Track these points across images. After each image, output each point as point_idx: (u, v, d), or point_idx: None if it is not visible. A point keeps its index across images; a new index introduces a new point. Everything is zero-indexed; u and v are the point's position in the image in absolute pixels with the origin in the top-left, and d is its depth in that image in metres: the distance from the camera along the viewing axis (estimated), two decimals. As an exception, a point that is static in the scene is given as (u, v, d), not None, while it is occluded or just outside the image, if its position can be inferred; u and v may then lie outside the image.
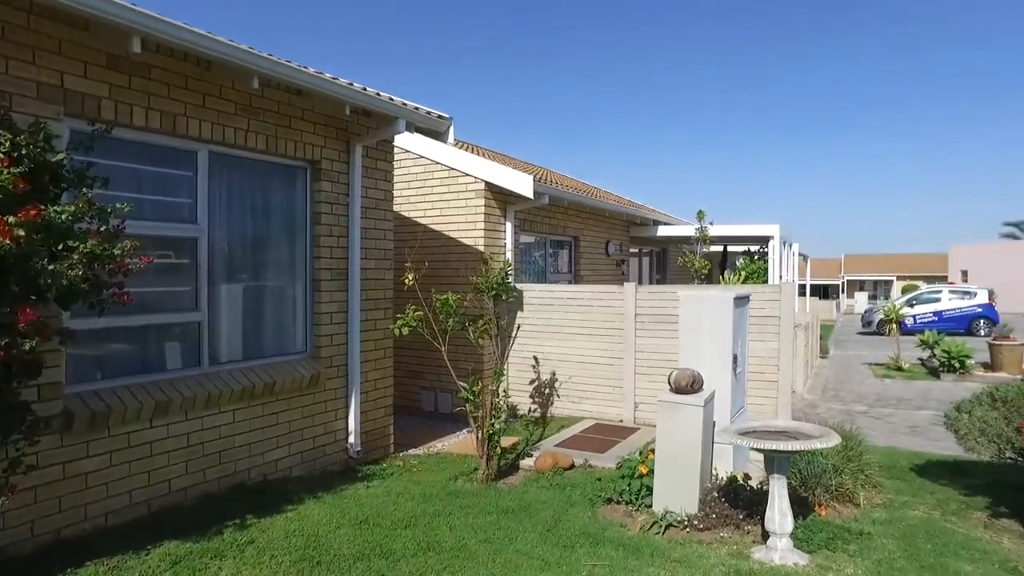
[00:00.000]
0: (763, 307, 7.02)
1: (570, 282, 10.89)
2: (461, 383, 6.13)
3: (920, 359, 14.12)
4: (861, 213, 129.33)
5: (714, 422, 5.11)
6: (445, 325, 6.17)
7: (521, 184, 8.17)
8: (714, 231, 12.49)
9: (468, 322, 6.34)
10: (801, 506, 4.57)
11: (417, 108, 6.28)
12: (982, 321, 22.14)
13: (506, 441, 7.20)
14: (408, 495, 5.27)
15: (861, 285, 56.70)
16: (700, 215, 12.34)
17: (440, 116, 6.52)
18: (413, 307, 6.09)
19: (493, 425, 5.91)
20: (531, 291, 8.55)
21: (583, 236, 11.38)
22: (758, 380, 6.98)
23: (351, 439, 6.28)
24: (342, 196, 6.18)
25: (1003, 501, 4.94)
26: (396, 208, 9.27)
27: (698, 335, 5.62)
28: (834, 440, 3.81)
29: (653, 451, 5.05)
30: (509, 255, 8.82)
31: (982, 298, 22.43)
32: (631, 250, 13.86)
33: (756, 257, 14.57)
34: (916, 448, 7.08)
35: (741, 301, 5.84)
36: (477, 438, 5.96)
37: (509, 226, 8.84)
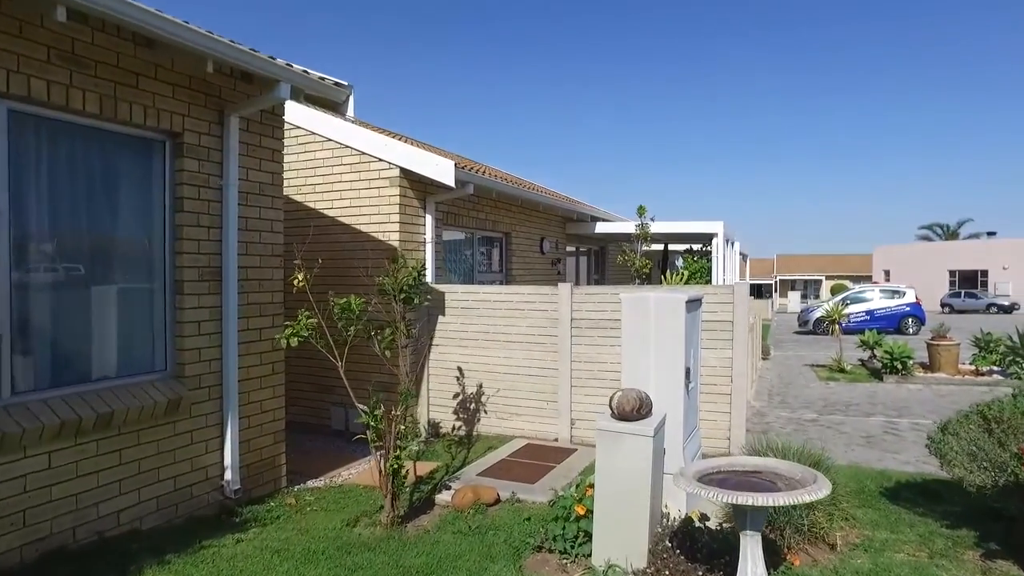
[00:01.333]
0: (715, 310, 6.22)
1: (501, 282, 9.93)
2: (361, 406, 5.06)
3: (860, 360, 13.84)
4: (791, 214, 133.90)
5: (664, 450, 4.22)
6: (346, 334, 5.09)
7: (441, 171, 7.14)
8: (655, 228, 11.78)
9: (374, 330, 5.28)
10: (769, 553, 3.72)
11: (307, 72, 5.17)
12: (910, 320, 22.47)
13: (423, 467, 6.17)
14: (287, 553, 4.17)
15: (793, 285, 58.19)
16: (640, 210, 11.61)
17: (337, 83, 5.43)
18: (307, 313, 4.99)
19: (399, 457, 4.87)
20: (453, 293, 7.53)
21: (515, 232, 10.43)
22: (710, 393, 6.17)
23: (227, 475, 5.11)
24: (213, 178, 5.00)
25: (992, 535, 4.25)
26: (298, 198, 8.10)
27: (644, 344, 4.73)
28: (824, 489, 2.95)
29: (592, 486, 4.13)
30: (429, 252, 7.78)
31: (910, 297, 22.78)
32: (568, 249, 13.03)
33: (697, 256, 13.99)
34: (877, 463, 6.43)
35: (693, 304, 5.00)
36: (380, 472, 4.89)
37: (429, 219, 7.79)
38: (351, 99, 5.58)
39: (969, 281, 43.87)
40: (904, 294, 22.91)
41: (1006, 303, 38.67)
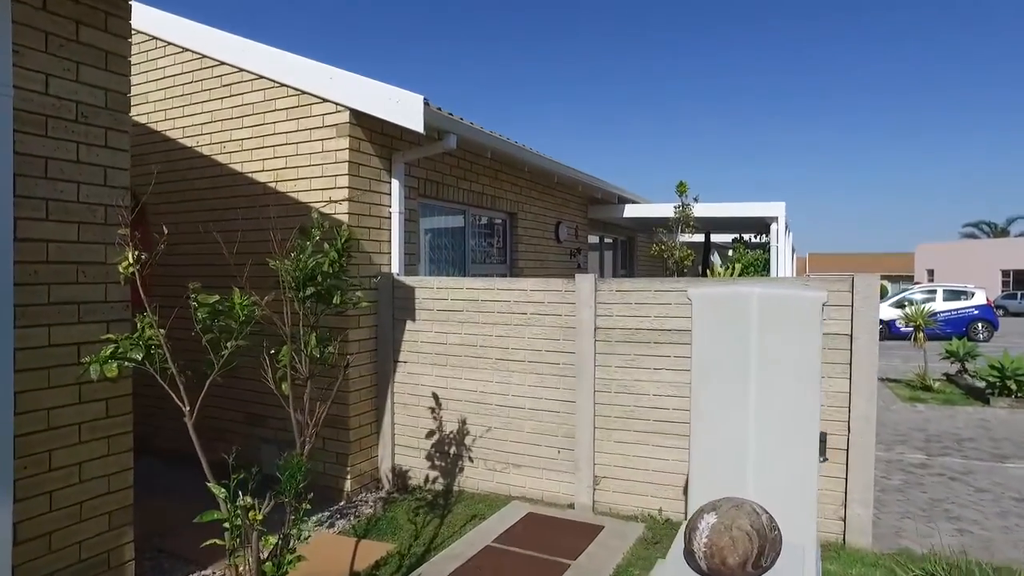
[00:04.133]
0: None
1: (504, 276, 7.69)
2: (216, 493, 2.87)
3: (946, 375, 11.36)
4: (819, 212, 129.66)
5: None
6: (215, 356, 2.94)
7: (405, 110, 4.91)
8: (698, 211, 9.45)
9: (272, 348, 3.13)
10: None
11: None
12: (980, 324, 19.79)
13: (368, 552, 3.98)
14: None
15: (827, 285, 55.13)
16: (681, 188, 9.30)
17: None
18: (147, 319, 2.84)
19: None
20: (427, 288, 5.29)
21: (523, 213, 8.18)
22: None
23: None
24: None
25: None
26: (221, 158, 5.95)
27: (735, 379, 2.47)
28: None
29: None
30: (396, 231, 5.55)
31: (979, 299, 20.08)
32: (589, 239, 10.74)
33: (749, 246, 11.58)
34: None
35: (809, 305, 2.70)
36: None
37: (396, 187, 5.57)
38: None
39: (1025, 282, 40.66)
40: (972, 295, 20.20)
41: (1068, 305, 35.49)
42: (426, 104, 4.95)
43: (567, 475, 4.79)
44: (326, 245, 3.34)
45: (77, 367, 3.23)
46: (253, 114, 5.62)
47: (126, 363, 2.90)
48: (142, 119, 6.37)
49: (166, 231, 3.05)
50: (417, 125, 4.89)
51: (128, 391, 3.52)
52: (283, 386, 3.24)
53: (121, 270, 2.93)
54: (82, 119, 3.27)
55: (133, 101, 6.43)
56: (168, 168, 6.17)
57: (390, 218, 5.56)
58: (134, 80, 6.41)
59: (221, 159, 5.82)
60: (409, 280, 5.37)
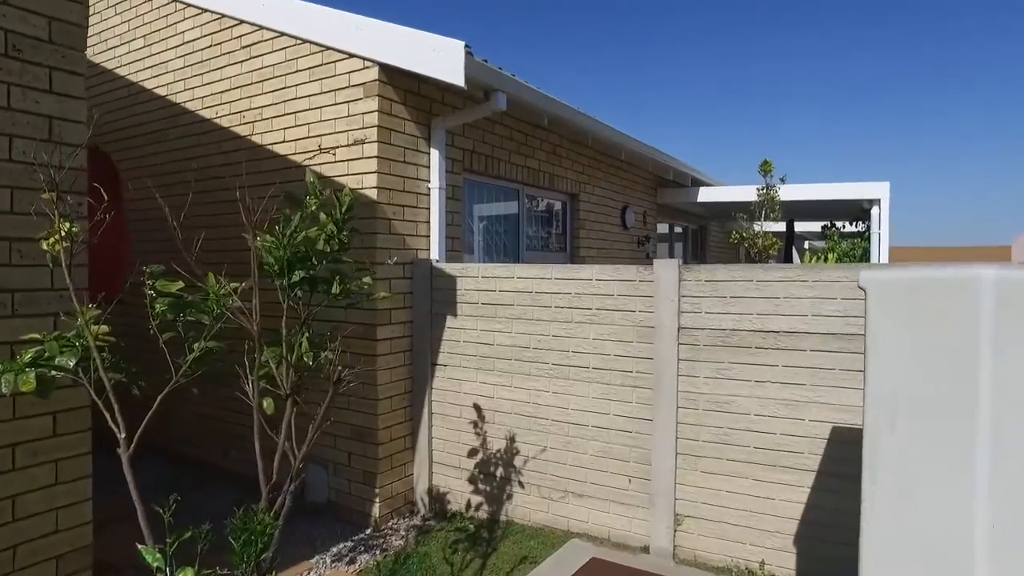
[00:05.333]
0: None
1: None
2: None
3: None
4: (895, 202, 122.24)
5: None
6: (182, 361, 2.18)
7: (443, 60, 4.03)
8: (786, 194, 8.26)
9: (257, 350, 2.33)
10: None
11: None
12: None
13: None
14: None
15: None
16: (765, 167, 8.14)
17: None
18: (89, 312, 2.08)
19: None
20: (469, 278, 4.42)
21: (585, 194, 7.21)
22: None
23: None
24: None
25: None
26: (242, 129, 5.25)
27: (956, 414, 1.46)
28: None
29: None
30: (436, 209, 4.70)
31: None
32: (657, 226, 9.65)
33: (837, 235, 10.22)
34: None
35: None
36: None
37: (436, 157, 4.71)
38: None
39: None
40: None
41: None
42: (468, 53, 4.06)
43: (640, 510, 3.83)
44: (323, 216, 2.49)
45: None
46: (273, 77, 4.87)
47: (52, 372, 2.15)
48: (162, 91, 5.74)
49: (137, 211, 2.28)
50: (457, 78, 4.01)
51: (85, 402, 2.78)
52: (265, 403, 2.42)
53: (46, 247, 2.16)
54: (14, 53, 2.52)
55: (153, 72, 5.82)
56: (189, 144, 5.51)
57: (428, 195, 4.71)
58: (154, 49, 5.79)
59: (241, 130, 5.10)
60: (449, 268, 4.51)
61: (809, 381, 3.28)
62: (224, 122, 5.24)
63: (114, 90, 6.21)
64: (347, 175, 4.42)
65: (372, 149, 4.31)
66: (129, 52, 6.08)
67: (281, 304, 2.55)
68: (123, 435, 2.05)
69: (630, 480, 3.84)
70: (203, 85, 5.40)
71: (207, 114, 5.37)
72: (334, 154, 4.42)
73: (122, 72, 6.16)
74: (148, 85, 5.88)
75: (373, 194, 4.29)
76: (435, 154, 4.71)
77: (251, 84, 5.02)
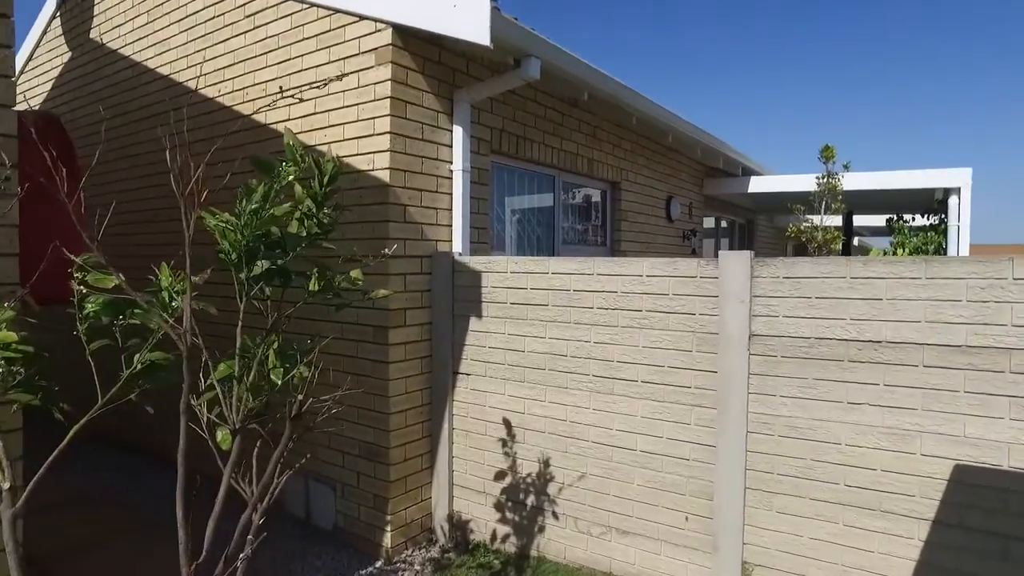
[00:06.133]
0: None
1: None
2: None
3: None
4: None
5: None
6: (129, 366, 1.62)
7: (464, 17, 3.42)
8: (850, 182, 7.46)
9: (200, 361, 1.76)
10: None
11: None
12: None
13: None
14: None
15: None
16: (826, 153, 7.35)
17: None
18: (6, 311, 1.52)
19: None
20: (496, 274, 3.80)
21: (627, 183, 6.54)
22: None
23: None
24: None
25: None
26: (244, 107, 4.74)
27: None
28: None
29: None
30: (459, 195, 4.11)
31: None
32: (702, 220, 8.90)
33: (907, 229, 9.32)
34: None
35: None
36: None
37: (460, 135, 4.11)
38: None
39: None
40: None
41: None
42: (495, 8, 3.44)
43: (699, 554, 3.17)
44: (298, 189, 1.90)
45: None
46: (278, 48, 4.33)
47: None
48: (165, 69, 5.27)
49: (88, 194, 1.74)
50: (483, 38, 3.40)
51: (17, 424, 2.25)
52: (220, 435, 1.85)
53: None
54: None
55: (158, 49, 5.36)
56: (189, 126, 5.02)
57: (451, 178, 4.12)
58: (158, 25, 5.32)
59: (244, 108, 4.59)
60: (473, 261, 3.90)
61: (922, 405, 2.59)
62: (227, 100, 4.73)
63: (119, 71, 5.78)
64: (357, 155, 3.86)
65: (384, 124, 3.73)
66: (133, 30, 5.63)
67: (257, 305, 1.98)
68: (6, 485, 1.49)
69: (687, 517, 3.19)
70: (206, 61, 4.90)
71: (210, 92, 4.87)
72: (301, 98, 3.87)
73: (126, 52, 5.72)
74: (151, 64, 5.42)
75: (385, 176, 3.71)
76: (458, 131, 4.11)
77: (255, 57, 4.50)
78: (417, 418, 3.96)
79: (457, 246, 4.09)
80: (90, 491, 4.70)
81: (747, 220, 11.41)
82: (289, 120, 4.26)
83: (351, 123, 3.89)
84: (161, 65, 5.29)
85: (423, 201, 3.93)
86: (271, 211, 1.83)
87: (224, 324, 1.88)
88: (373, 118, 3.78)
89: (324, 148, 4.04)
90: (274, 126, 4.37)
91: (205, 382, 1.77)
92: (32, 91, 7.16)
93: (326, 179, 1.87)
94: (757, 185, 8.50)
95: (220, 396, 1.76)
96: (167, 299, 1.87)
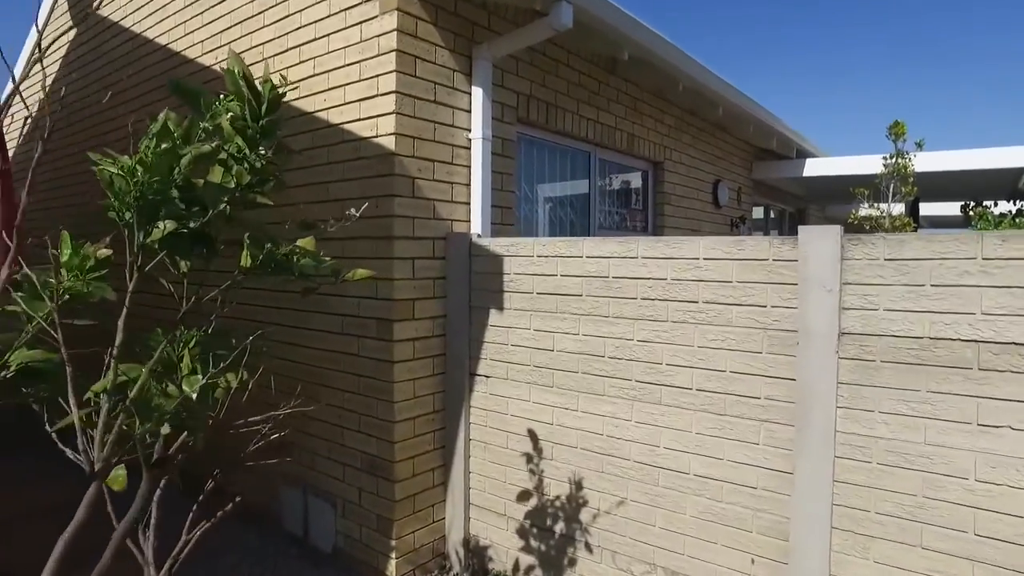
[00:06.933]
0: None
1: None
2: None
3: None
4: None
5: None
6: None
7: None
8: (923, 163, 6.67)
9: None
10: None
11: None
12: None
13: None
14: None
15: None
16: (896, 130, 6.57)
17: None
18: None
19: None
20: (521, 258, 3.21)
21: (671, 163, 5.89)
22: None
23: None
24: None
25: None
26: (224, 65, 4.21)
27: None
28: None
29: None
30: (479, 166, 3.54)
31: None
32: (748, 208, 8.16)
33: (990, 216, 8.41)
34: None
35: None
36: None
37: (479, 98, 3.53)
38: None
39: None
40: None
41: None
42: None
43: (769, 605, 2.55)
44: (224, 124, 1.35)
45: None
46: (276, 4, 3.81)
47: None
48: (163, 39, 4.82)
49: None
50: (502, -29, 2.81)
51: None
52: (113, 474, 1.32)
53: None
54: None
55: (155, 19, 4.91)
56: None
57: (469, 148, 3.55)
58: (154, -9, 4.87)
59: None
60: (494, 244, 3.32)
61: (1085, 429, 1.93)
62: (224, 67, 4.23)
63: (120, 44, 5.36)
64: (359, 120, 3.31)
65: (389, 82, 3.17)
66: (130, 1, 5.20)
67: (166, 285, 1.45)
68: None
69: (753, 560, 2.57)
70: (203, 27, 4.42)
71: (207, 60, 4.39)
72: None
73: (126, 23, 5.30)
74: (150, 35, 4.98)
75: (389, 143, 3.16)
76: (478, 94, 3.54)
77: (252, 17, 3.99)
78: (428, 426, 3.40)
79: (476, 227, 3.52)
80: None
81: (797, 209, 10.59)
82: (296, 95, 3.74)
83: (353, 83, 3.35)
84: (159, 36, 4.84)
85: (436, 174, 3.37)
86: (192, 152, 1.28)
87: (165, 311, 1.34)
88: (377, 76, 3.23)
89: (322, 116, 3.51)
90: (287, 96, 3.84)
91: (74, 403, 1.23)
92: (46, 73, 6.84)
93: (263, 107, 1.31)
94: (814, 168, 7.72)
95: (82, 419, 1.22)
96: (66, 278, 1.34)
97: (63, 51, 6.32)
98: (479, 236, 3.43)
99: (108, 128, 5.38)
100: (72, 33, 6.17)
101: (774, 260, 2.47)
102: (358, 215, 1.73)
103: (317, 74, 3.55)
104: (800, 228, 2.40)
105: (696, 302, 2.66)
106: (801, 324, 2.39)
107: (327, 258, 1.64)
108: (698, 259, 2.65)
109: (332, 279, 1.73)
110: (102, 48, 5.62)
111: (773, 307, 2.47)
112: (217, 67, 4.30)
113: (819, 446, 2.35)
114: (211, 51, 4.36)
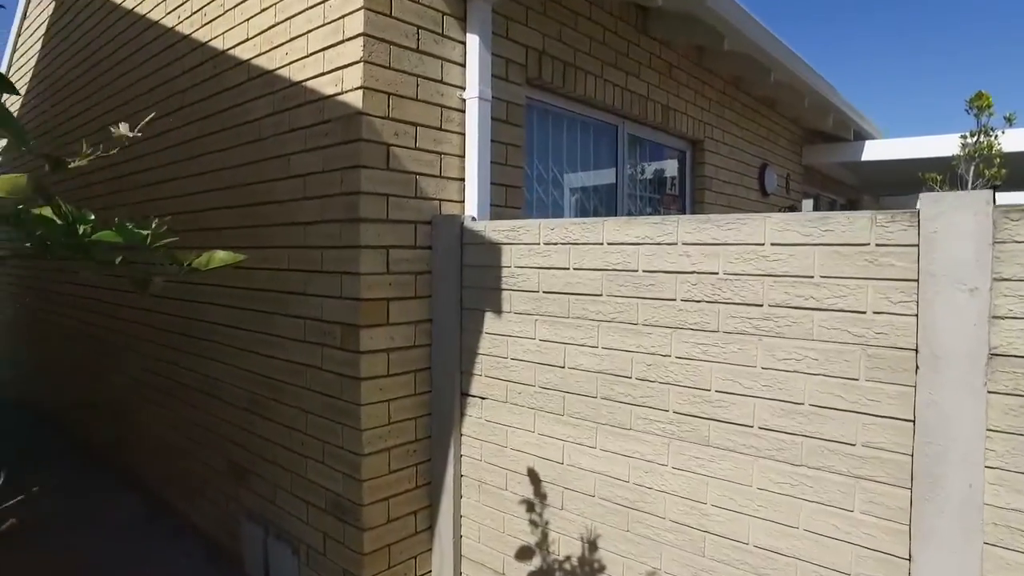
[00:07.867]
0: None
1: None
2: None
3: None
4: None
5: None
6: None
7: None
8: (1012, 142, 5.77)
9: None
10: None
11: None
12: None
13: None
14: None
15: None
16: (981, 101, 5.67)
17: None
18: None
19: None
20: (524, 245, 2.49)
21: (711, 141, 5.09)
22: None
23: None
24: None
25: None
26: (204, 33, 3.56)
27: None
28: None
29: None
30: (473, 135, 2.82)
31: None
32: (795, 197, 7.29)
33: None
34: None
35: None
36: None
37: (475, 49, 2.82)
38: None
39: None
40: None
41: None
42: None
43: None
44: None
45: None
46: (237, -56, 3.16)
47: None
48: (142, 8, 4.22)
49: None
50: None
51: None
52: None
53: None
54: None
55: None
56: (151, 69, 3.97)
57: (463, 110, 2.84)
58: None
59: (201, 35, 3.45)
60: (491, 229, 2.61)
61: None
62: (185, 27, 3.61)
63: (113, 23, 4.79)
64: (323, 74, 2.63)
65: (356, 22, 2.48)
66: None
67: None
68: None
69: (843, 672, 1.80)
70: (165, -20, 3.80)
71: (169, 21, 3.77)
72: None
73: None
74: (128, 5, 4.39)
75: (356, 99, 2.47)
76: (474, 43, 2.83)
77: (212, -38, 3.34)
78: (407, 459, 2.71)
79: (471, 208, 2.81)
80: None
81: (849, 200, 9.65)
82: (248, 40, 3.09)
83: (316, 29, 2.67)
84: (137, 5, 4.24)
85: (419, 141, 2.67)
86: None
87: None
88: (342, 16, 2.54)
89: (284, 73, 2.84)
90: (232, 53, 3.20)
91: None
92: (29, 52, 6.37)
93: None
94: (874, 151, 6.83)
95: None
96: None
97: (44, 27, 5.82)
98: (474, 219, 2.72)
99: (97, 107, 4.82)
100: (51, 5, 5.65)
101: (878, 245, 1.70)
102: (136, 132, 1.01)
103: (279, 22, 2.89)
104: (922, 196, 1.63)
105: (760, 305, 1.90)
106: (924, 340, 1.62)
107: (145, 232, 0.96)
108: (763, 244, 1.90)
109: (179, 271, 1.05)
110: (78, 20, 5.07)
111: (877, 314, 1.71)
112: (179, 29, 3.68)
113: (955, 525, 1.58)
114: (173, 10, 3.73)
